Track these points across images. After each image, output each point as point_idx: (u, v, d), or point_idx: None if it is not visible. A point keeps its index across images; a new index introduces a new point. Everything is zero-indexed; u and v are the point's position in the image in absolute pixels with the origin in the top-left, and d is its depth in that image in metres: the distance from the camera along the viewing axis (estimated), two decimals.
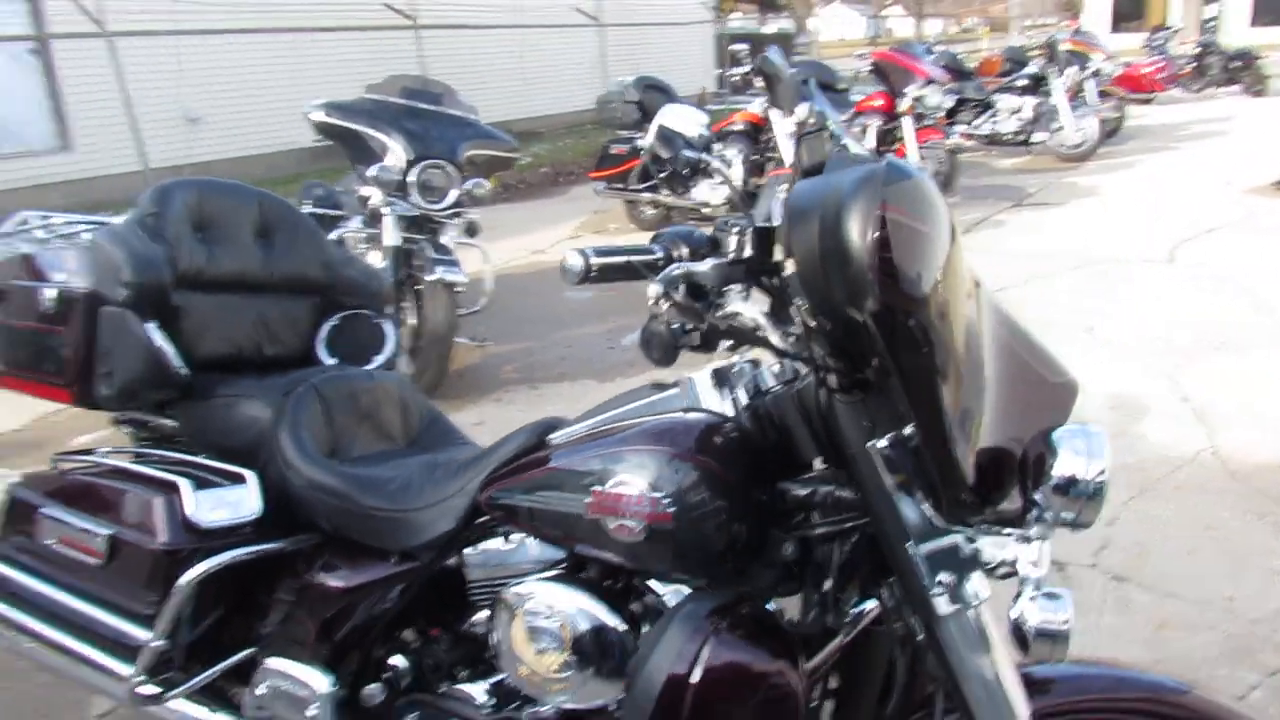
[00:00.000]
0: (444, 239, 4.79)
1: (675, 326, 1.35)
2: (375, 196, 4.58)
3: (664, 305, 1.32)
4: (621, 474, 1.40)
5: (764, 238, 1.39)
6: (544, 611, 1.49)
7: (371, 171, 4.59)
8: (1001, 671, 1.26)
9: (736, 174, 7.81)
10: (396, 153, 4.77)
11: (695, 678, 1.26)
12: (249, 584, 1.89)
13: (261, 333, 2.21)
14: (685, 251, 1.41)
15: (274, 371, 2.11)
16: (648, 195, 8.66)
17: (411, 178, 4.69)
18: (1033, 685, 1.34)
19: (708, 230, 1.49)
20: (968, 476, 1.18)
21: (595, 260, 1.38)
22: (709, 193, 8.05)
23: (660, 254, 1.41)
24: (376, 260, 4.61)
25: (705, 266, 1.33)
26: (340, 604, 1.77)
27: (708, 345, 1.39)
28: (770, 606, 1.49)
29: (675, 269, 1.35)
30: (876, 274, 1.09)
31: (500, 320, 6.01)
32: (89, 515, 1.86)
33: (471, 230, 4.89)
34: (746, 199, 7.82)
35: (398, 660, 1.80)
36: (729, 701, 1.26)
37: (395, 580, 1.75)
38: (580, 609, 1.47)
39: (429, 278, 4.54)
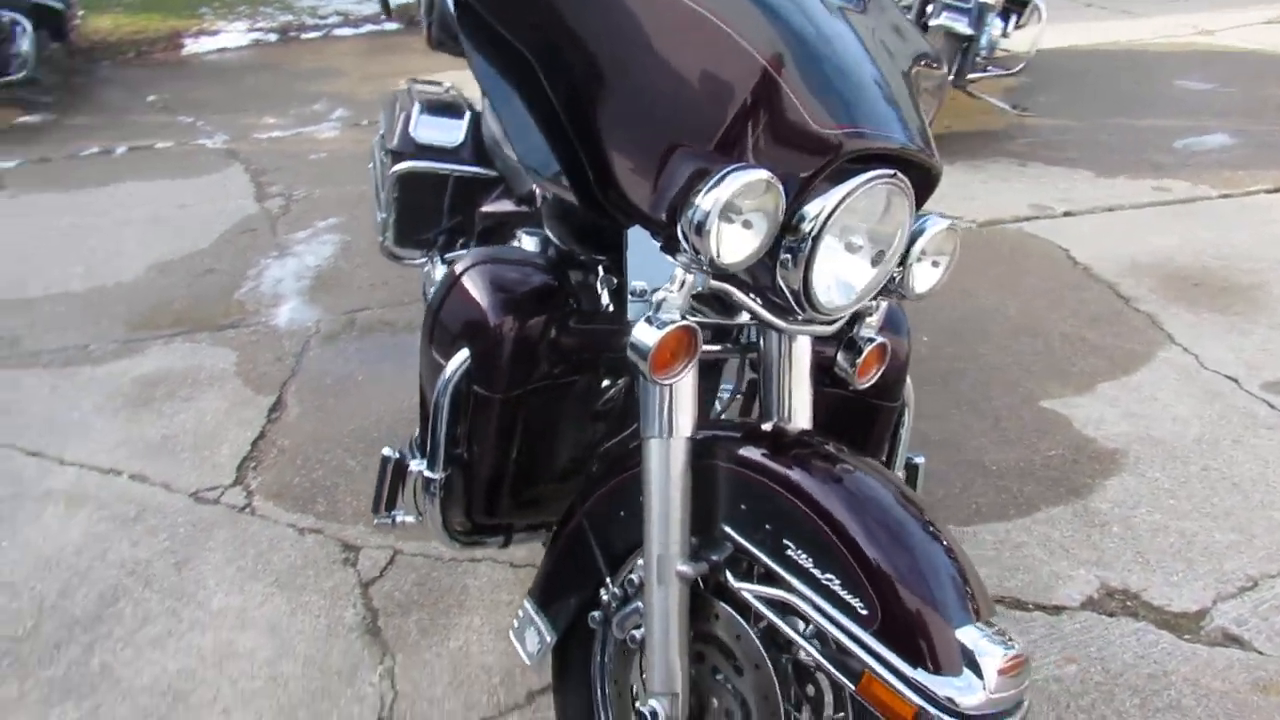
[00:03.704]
0: None
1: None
2: None
3: None
4: None
5: None
6: None
7: None
8: None
9: None
10: None
11: (441, 296, 1.54)
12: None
13: None
14: None
15: None
16: None
17: None
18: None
19: None
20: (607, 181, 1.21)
21: None
22: None
23: None
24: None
25: None
26: (486, 224, 2.29)
27: None
28: None
29: None
30: None
31: (1066, 93, 5.50)
32: (394, 115, 2.59)
33: None
34: None
35: None
36: (457, 323, 1.50)
37: (515, 218, 2.20)
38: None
39: (932, 22, 4.41)
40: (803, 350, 1.42)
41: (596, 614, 1.46)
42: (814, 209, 1.19)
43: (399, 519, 1.60)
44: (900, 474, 1.79)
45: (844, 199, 1.19)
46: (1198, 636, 1.96)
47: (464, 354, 1.49)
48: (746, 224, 1.17)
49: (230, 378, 3.04)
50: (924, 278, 1.39)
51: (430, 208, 2.45)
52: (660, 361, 1.21)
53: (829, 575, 1.19)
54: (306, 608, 2.10)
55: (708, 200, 1.13)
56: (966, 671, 1.10)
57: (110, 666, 1.96)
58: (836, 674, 1.18)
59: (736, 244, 1.17)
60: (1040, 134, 5.11)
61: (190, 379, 3.03)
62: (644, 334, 1.20)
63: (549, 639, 1.53)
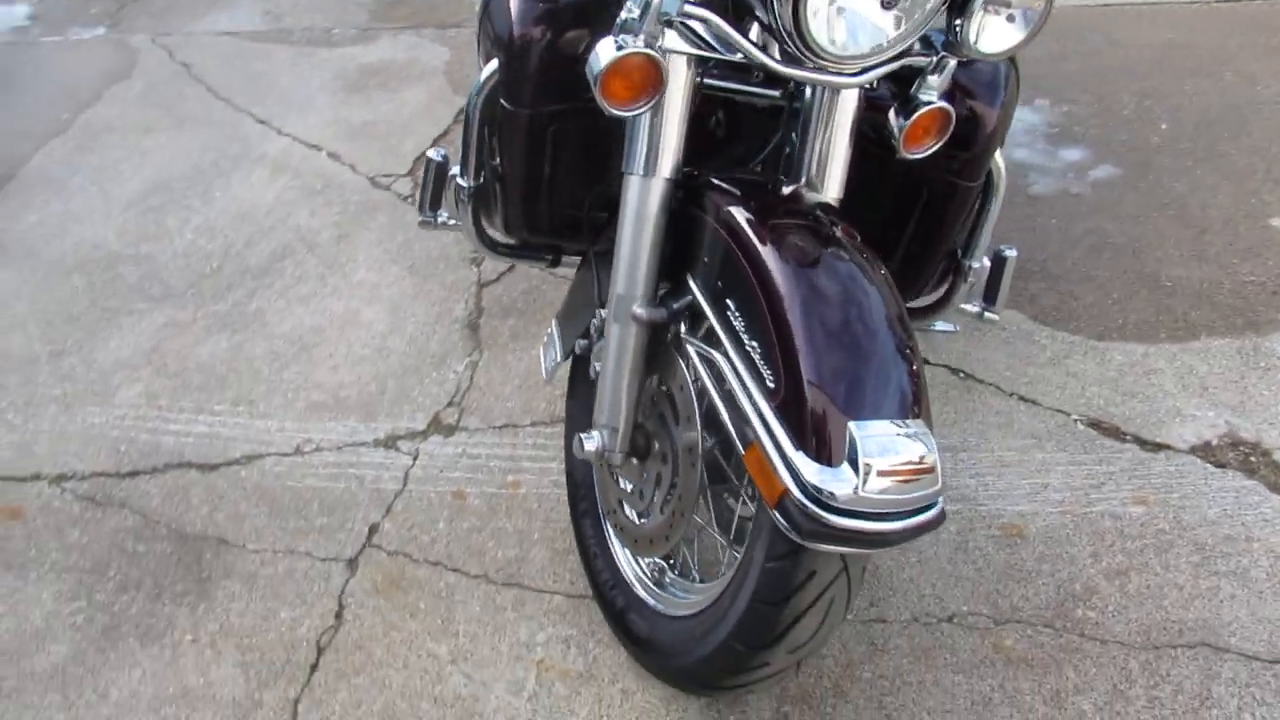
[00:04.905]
0: None
1: None
2: None
3: None
4: None
5: None
6: None
7: None
8: None
9: None
10: None
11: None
12: None
13: None
14: None
15: None
16: None
17: None
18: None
19: None
20: None
21: None
22: None
23: None
24: None
25: None
26: None
27: None
28: None
29: None
30: None
31: None
32: None
33: None
34: None
35: None
36: (494, 30, 1.43)
37: None
38: None
39: None
40: (847, 109, 1.29)
41: (582, 342, 1.50)
42: None
43: (440, 219, 1.68)
44: (983, 265, 1.62)
45: None
46: None
47: (495, 63, 1.47)
48: None
49: (437, 75, 3.19)
50: (996, 34, 1.21)
51: None
52: (614, 88, 1.15)
53: (754, 343, 1.15)
54: (427, 295, 2.30)
55: None
56: (847, 465, 1.05)
57: (263, 312, 2.28)
58: (734, 437, 1.16)
59: None
60: None
61: (404, 72, 3.22)
62: (602, 53, 1.13)
63: (558, 359, 1.60)
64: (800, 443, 1.07)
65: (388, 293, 2.32)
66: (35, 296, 2.36)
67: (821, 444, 1.06)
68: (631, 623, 1.48)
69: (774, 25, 1.13)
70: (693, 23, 1.20)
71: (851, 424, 1.05)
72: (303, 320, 2.25)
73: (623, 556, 1.54)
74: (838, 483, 1.04)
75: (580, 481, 1.65)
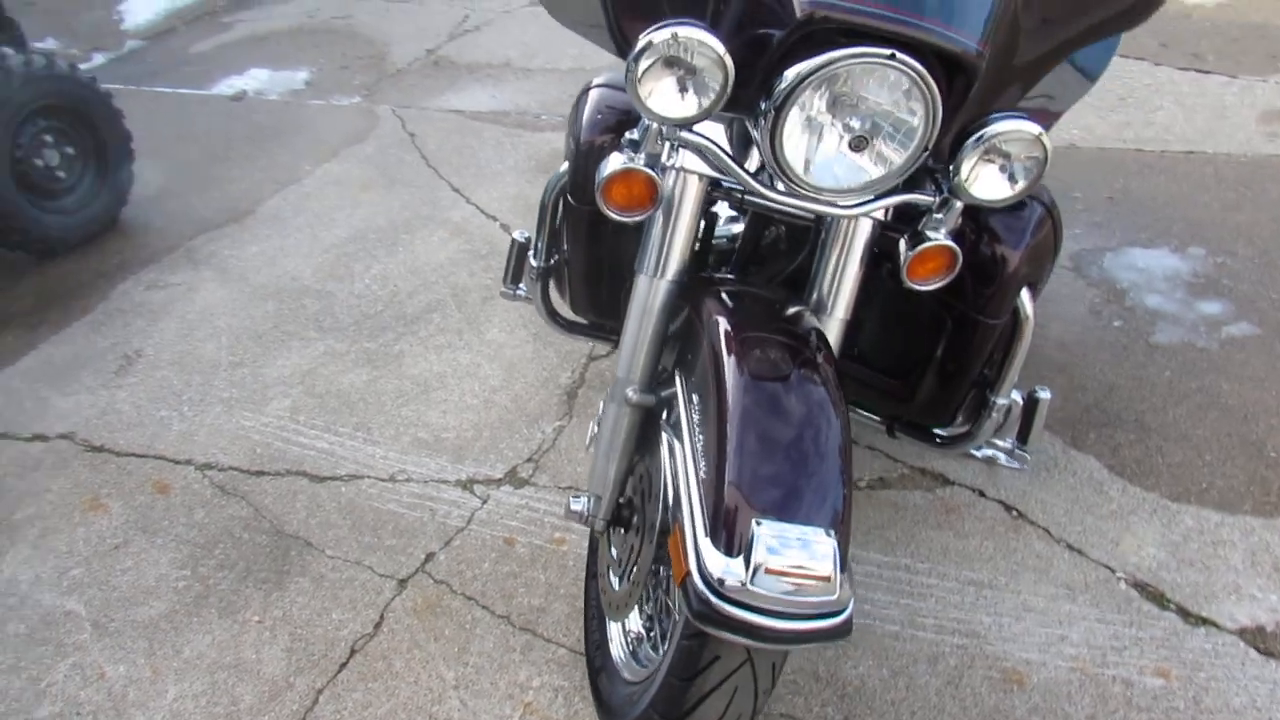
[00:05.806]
0: None
1: None
2: None
3: None
4: None
5: None
6: None
7: None
8: None
9: None
10: None
11: (572, 109, 1.69)
12: None
13: None
14: None
15: None
16: None
17: None
18: None
19: None
20: None
21: None
22: None
23: None
24: None
25: None
26: None
27: None
28: None
29: None
30: None
31: None
32: None
33: None
34: None
35: None
36: (570, 136, 1.63)
37: None
38: None
39: None
40: (860, 236, 1.40)
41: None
42: (788, 75, 1.18)
43: (519, 292, 1.90)
44: (1013, 402, 1.64)
45: (815, 70, 1.16)
46: None
47: (567, 164, 1.69)
48: (683, 85, 1.20)
49: None
50: (989, 183, 1.28)
51: None
52: (614, 195, 1.31)
53: (700, 436, 1.27)
54: (541, 360, 2.54)
55: (640, 45, 1.18)
56: (741, 559, 1.14)
57: (403, 355, 2.60)
58: (668, 518, 1.27)
59: (671, 102, 1.21)
60: None
61: None
62: (609, 164, 1.30)
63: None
64: (711, 531, 1.17)
65: (509, 353, 2.57)
66: (235, 313, 2.80)
67: (730, 537, 1.15)
68: (600, 681, 1.59)
69: (764, 159, 1.27)
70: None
71: (755, 522, 1.14)
72: (432, 366, 2.55)
73: (610, 620, 1.66)
74: (730, 573, 1.13)
75: (596, 546, 1.79)
